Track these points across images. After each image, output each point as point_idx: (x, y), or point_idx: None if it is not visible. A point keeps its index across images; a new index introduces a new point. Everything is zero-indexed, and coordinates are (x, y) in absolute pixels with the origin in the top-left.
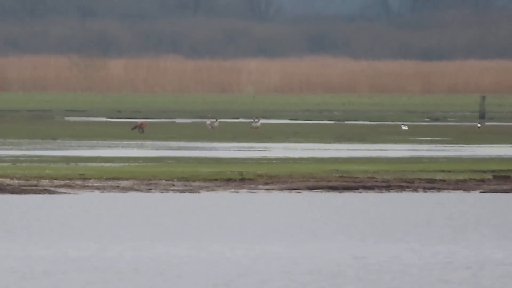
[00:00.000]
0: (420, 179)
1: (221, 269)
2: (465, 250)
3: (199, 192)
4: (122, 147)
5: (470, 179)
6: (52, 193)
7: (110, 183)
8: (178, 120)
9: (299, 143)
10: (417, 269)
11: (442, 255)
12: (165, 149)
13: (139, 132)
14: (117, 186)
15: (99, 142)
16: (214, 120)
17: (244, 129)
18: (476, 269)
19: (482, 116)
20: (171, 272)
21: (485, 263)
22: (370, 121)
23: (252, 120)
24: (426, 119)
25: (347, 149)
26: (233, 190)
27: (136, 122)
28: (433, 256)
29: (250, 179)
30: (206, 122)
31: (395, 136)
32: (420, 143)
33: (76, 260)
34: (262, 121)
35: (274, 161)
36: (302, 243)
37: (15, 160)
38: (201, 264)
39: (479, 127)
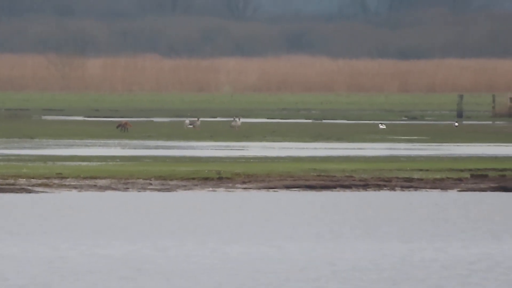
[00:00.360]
0: (397, 178)
1: (192, 267)
2: (439, 248)
3: (176, 191)
4: (99, 146)
5: (448, 178)
6: (29, 192)
7: (87, 182)
8: (156, 119)
9: (277, 142)
10: (391, 267)
11: (416, 254)
12: (143, 148)
13: (121, 131)
14: (95, 185)
15: (77, 141)
16: (196, 119)
17: (224, 128)
18: (447, 267)
19: (459, 115)
20: (143, 270)
21: (459, 261)
22: (348, 120)
23: (232, 119)
24: (403, 118)
25: (325, 148)
26: (210, 189)
27: (121, 120)
28: (407, 254)
29: (227, 178)
30: (185, 121)
31: (373, 135)
32: (398, 142)
33: (50, 258)
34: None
35: (251, 160)
36: (277, 242)
37: None
38: (174, 262)
39: (456, 126)
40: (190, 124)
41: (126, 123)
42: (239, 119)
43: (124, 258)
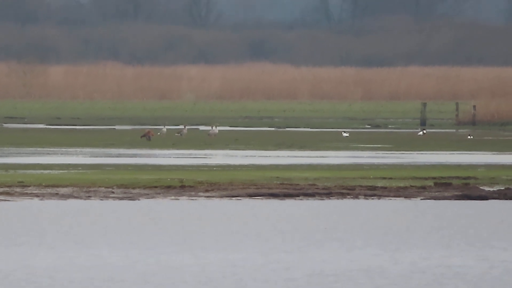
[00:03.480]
0: (361, 186)
1: (131, 276)
2: (401, 257)
3: (139, 200)
4: (61, 154)
5: (411, 186)
6: None
7: (49, 190)
8: (117, 127)
9: (240, 150)
10: (347, 276)
11: (374, 262)
12: (105, 156)
13: (147, 140)
14: (56, 194)
15: (39, 149)
16: (183, 127)
17: (187, 136)
18: (404, 275)
19: (423, 123)
20: (99, 280)
21: (422, 269)
22: (310, 128)
23: (210, 128)
24: (367, 126)
25: (288, 156)
26: (173, 197)
27: (145, 130)
28: (363, 263)
29: (190, 186)
30: (162, 129)
31: (336, 143)
32: (361, 150)
33: (7, 267)
34: (203, 127)
35: (214, 168)
36: (237, 250)
37: None
38: (128, 271)
39: (424, 133)
40: (178, 133)
41: (149, 131)
42: (216, 127)
43: (85, 267)
